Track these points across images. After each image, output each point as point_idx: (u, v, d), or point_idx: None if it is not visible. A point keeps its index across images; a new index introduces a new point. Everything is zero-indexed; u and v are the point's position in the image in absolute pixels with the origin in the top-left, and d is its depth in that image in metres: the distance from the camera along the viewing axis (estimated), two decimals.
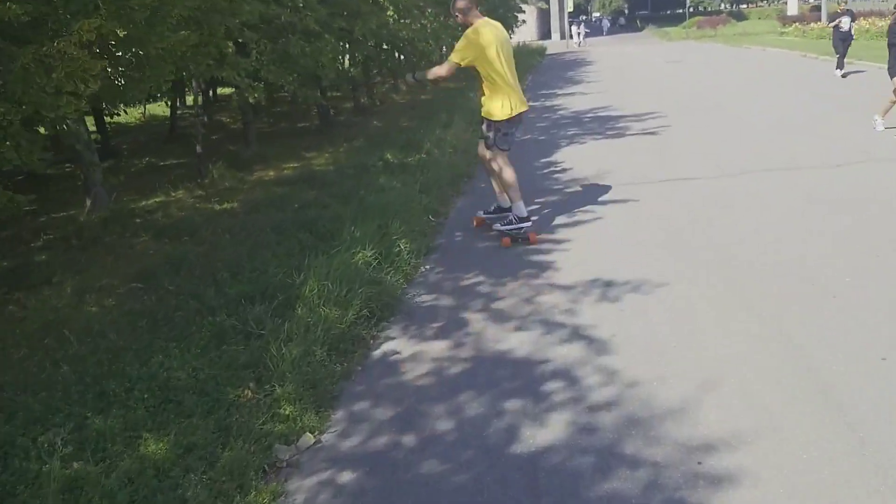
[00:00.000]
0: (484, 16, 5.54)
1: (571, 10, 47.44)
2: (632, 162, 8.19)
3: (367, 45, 11.17)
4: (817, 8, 66.23)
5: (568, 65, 27.27)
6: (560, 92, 16.82)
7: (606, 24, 61.91)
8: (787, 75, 16.90)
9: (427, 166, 8.20)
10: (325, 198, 7.29)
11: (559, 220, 6.12)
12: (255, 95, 8.26)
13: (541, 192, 7.11)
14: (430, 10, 13.49)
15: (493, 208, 6.06)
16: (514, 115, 5.44)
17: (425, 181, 7.45)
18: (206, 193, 8.29)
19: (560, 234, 5.69)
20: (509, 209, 5.71)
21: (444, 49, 16.14)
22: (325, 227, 5.73)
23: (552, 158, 8.85)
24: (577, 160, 8.57)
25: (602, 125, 11.08)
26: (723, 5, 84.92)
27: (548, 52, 35.83)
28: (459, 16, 5.47)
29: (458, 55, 5.36)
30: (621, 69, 22.48)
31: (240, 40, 8.41)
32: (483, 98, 5.56)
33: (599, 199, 6.66)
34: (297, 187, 8.07)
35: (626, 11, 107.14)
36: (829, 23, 15.27)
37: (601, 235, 5.58)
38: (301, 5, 8.87)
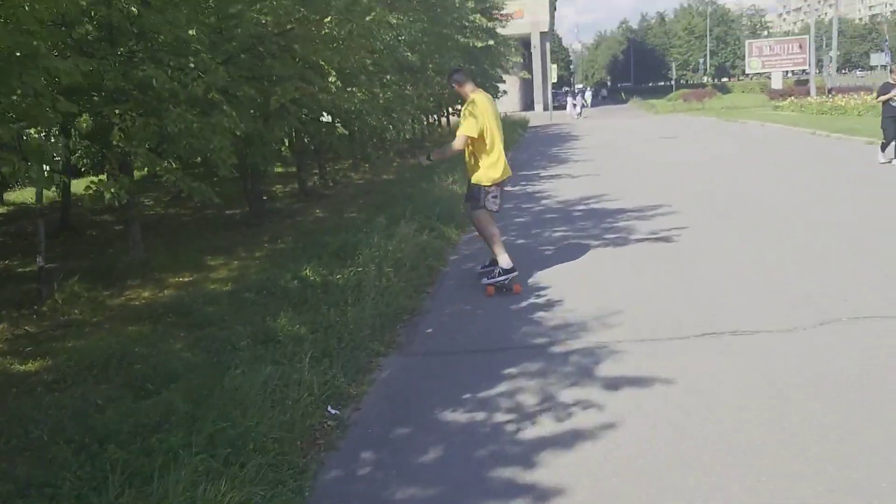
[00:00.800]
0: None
1: (555, 80, 46.26)
2: (646, 293, 5.69)
3: (298, 118, 8.78)
4: (803, 82, 66.26)
5: (552, 139, 25.30)
6: (544, 173, 14.53)
7: (588, 95, 60.26)
8: (808, 157, 14.77)
9: (354, 292, 5.67)
10: (185, 353, 4.73)
11: (542, 425, 3.54)
12: (112, 192, 5.78)
13: (512, 355, 4.56)
14: (388, 77, 11.24)
15: (487, 262, 6.29)
16: (502, 179, 6.00)
17: (342, 328, 4.89)
18: (30, 333, 5.70)
19: (543, 470, 3.11)
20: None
21: (410, 123, 13.91)
22: (107, 466, 3.12)
23: (533, 280, 6.35)
24: (567, 284, 6.10)
25: (597, 223, 8.67)
26: (706, 78, 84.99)
27: (530, 124, 34.09)
28: (456, 86, 6.09)
29: (470, 128, 5.73)
30: (611, 145, 20.42)
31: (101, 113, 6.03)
32: (472, 165, 5.97)
33: (605, 373, 4.11)
34: (162, 327, 5.51)
35: (608, 83, 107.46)
36: (879, 96, 13.09)
37: (616, 474, 3.01)
38: (192, 65, 6.48)
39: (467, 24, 17.07)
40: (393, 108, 9.83)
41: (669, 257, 6.76)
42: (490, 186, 5.89)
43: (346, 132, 10.46)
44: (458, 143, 5.81)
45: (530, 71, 51.80)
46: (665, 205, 9.29)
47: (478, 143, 5.80)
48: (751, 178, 11.87)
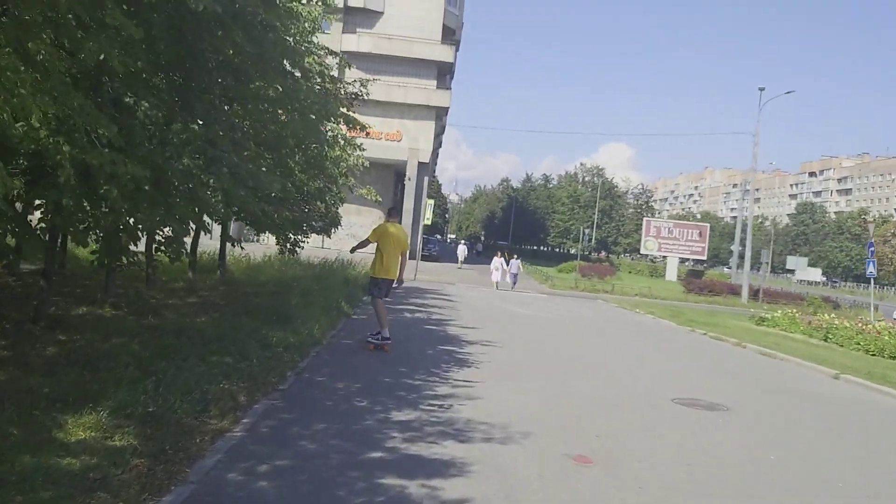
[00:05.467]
0: (387, 220, 10.08)
1: (428, 222, 34.23)
2: None
3: None
4: (697, 273, 58.14)
5: (406, 341, 12.06)
6: None
7: (464, 249, 46.76)
8: None
9: None
10: None
11: None
12: None
13: None
14: None
15: (375, 332, 9.68)
16: (383, 277, 9.63)
17: None
18: None
19: None
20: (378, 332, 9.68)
21: None
22: None
23: None
24: None
25: None
26: (572, 249, 77.27)
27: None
28: (386, 217, 10.36)
29: (371, 235, 9.82)
30: (560, 398, 7.51)
31: None
32: (373, 263, 9.85)
33: None
34: None
35: (482, 238, 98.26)
36: None
37: None
38: None
39: None
40: None
41: None
42: (376, 279, 9.66)
43: None
44: (365, 240, 10.01)
45: (396, 203, 40.04)
46: None
47: (377, 251, 9.66)
48: None
